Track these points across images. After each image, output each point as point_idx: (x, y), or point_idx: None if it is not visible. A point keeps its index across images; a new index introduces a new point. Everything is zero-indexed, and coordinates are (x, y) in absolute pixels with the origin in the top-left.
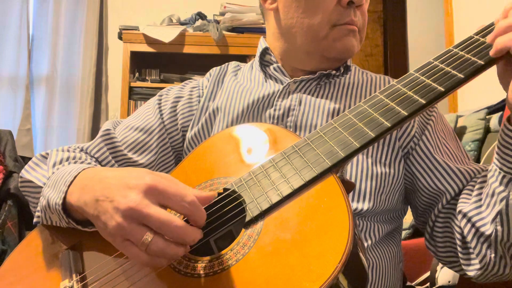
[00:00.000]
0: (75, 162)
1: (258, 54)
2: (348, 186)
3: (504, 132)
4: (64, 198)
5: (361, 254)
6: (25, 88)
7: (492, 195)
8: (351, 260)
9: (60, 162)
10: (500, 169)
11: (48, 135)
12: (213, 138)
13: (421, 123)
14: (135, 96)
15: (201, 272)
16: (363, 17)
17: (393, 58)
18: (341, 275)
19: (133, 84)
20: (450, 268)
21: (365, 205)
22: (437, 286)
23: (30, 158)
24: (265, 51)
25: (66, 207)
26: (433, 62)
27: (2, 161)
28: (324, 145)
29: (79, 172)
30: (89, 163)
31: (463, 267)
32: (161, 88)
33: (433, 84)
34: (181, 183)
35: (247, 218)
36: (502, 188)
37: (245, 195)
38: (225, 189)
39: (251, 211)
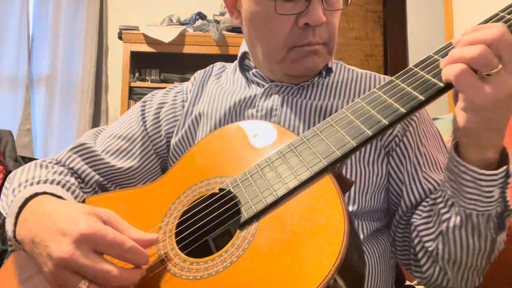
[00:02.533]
0: (37, 182)
1: (238, 58)
2: (346, 184)
3: (451, 161)
4: (14, 231)
5: (358, 254)
6: (25, 88)
7: (438, 214)
8: (347, 261)
9: (19, 185)
10: (445, 191)
11: (48, 135)
12: (208, 137)
13: (403, 123)
14: (135, 96)
15: (196, 274)
16: (330, 29)
17: (393, 58)
18: (337, 276)
19: (133, 84)
20: (407, 269)
21: (349, 207)
22: None
23: (30, 158)
24: (245, 55)
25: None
26: (434, 56)
27: (2, 161)
28: (320, 143)
29: (25, 202)
30: (53, 179)
31: (414, 273)
32: (161, 88)
33: (432, 79)
34: (124, 225)
35: (242, 219)
36: (446, 209)
37: (241, 196)
38: (220, 189)
39: (246, 212)
